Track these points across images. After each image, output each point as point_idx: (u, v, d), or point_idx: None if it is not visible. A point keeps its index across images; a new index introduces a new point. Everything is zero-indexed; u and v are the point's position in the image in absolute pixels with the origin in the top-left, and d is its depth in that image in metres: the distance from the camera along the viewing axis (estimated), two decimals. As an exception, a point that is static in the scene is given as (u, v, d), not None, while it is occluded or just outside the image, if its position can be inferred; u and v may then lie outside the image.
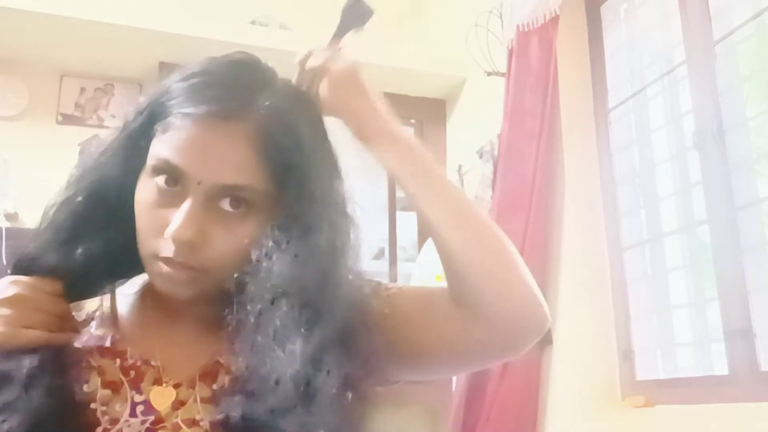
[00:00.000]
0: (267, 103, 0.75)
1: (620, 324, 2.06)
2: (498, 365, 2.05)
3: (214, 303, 0.77)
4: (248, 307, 0.71)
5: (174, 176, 0.73)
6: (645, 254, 2.05)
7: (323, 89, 0.83)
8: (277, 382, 0.67)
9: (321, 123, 0.81)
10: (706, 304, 1.85)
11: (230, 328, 0.71)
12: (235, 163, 0.72)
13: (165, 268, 0.73)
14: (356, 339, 0.71)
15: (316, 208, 0.75)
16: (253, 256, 0.72)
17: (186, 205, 0.72)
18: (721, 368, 1.71)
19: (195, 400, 0.75)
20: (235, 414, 0.68)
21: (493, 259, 0.77)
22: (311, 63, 0.83)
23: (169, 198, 0.73)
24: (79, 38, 2.54)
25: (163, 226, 0.72)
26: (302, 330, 0.69)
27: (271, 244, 0.72)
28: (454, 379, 2.51)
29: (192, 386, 0.75)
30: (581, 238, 2.15)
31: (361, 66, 0.84)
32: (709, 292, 1.81)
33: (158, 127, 0.74)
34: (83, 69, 2.72)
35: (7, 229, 2.38)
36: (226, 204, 0.73)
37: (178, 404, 0.74)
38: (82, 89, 2.74)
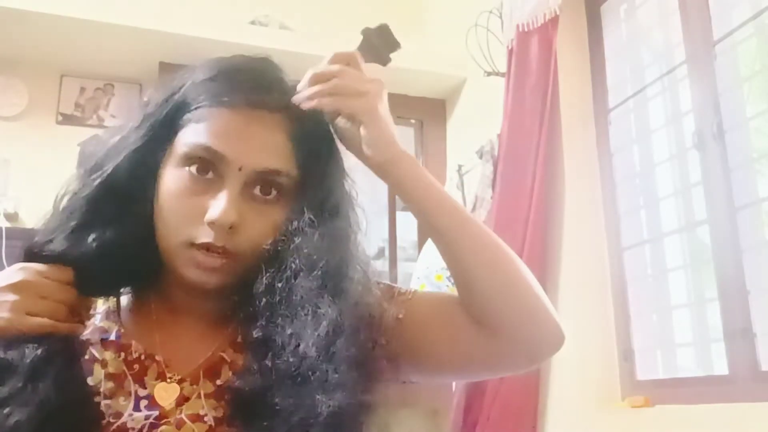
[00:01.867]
0: (293, 95, 0.78)
1: (620, 324, 2.06)
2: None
3: (219, 298, 0.78)
4: (278, 275, 0.73)
5: (211, 163, 0.74)
6: (645, 254, 2.05)
7: (342, 122, 0.80)
8: (300, 343, 0.69)
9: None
10: (706, 304, 1.85)
11: (258, 299, 0.73)
12: (273, 148, 0.75)
13: (200, 256, 0.73)
14: (367, 321, 0.74)
15: (335, 196, 0.79)
16: (285, 232, 0.75)
17: (226, 190, 0.73)
18: (721, 368, 1.71)
19: (199, 396, 0.75)
20: (253, 385, 0.70)
21: (510, 282, 0.79)
22: (333, 103, 0.78)
23: (202, 185, 0.74)
24: (79, 38, 2.55)
25: (198, 214, 0.73)
26: (328, 297, 0.71)
27: (302, 222, 0.75)
28: (454, 379, 2.51)
29: (196, 382, 0.76)
30: (581, 238, 2.15)
31: (384, 93, 0.80)
32: (709, 292, 1.81)
33: (189, 117, 0.76)
34: (83, 69, 2.72)
35: (7, 229, 2.38)
36: (257, 190, 0.75)
37: (182, 400, 0.74)
38: (82, 89, 2.74)
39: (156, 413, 0.73)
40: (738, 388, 1.63)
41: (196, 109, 0.76)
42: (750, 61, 1.83)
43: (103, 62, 2.70)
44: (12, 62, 2.63)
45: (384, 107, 0.79)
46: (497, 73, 2.44)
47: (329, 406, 0.67)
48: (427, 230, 0.82)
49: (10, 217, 2.46)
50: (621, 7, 2.25)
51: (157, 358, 0.76)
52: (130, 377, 0.75)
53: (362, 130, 0.78)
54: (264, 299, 0.73)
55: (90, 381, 0.74)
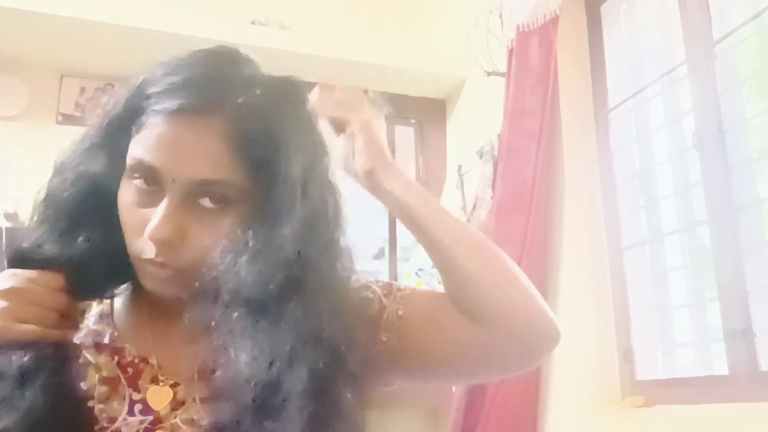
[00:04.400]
0: (240, 97, 0.73)
1: (620, 324, 2.06)
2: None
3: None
4: (210, 311, 0.69)
5: (150, 175, 0.72)
6: (645, 254, 2.05)
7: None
8: (238, 387, 0.66)
9: (303, 116, 0.79)
10: (706, 304, 1.85)
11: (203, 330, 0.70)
12: (209, 158, 0.71)
13: (150, 268, 0.72)
14: (339, 330, 0.69)
15: (289, 202, 0.73)
16: (217, 258, 0.70)
17: (162, 204, 0.71)
18: (721, 368, 1.71)
19: (194, 400, 0.74)
20: (224, 418, 0.67)
21: (498, 271, 0.78)
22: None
23: (148, 198, 0.72)
24: (79, 38, 2.54)
25: (143, 227, 0.71)
26: (259, 335, 0.67)
27: (234, 244, 0.71)
28: (454, 379, 2.50)
29: (191, 386, 0.75)
30: (581, 238, 2.15)
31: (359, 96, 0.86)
32: (709, 292, 1.81)
33: (133, 127, 0.74)
34: (83, 69, 2.72)
35: (7, 229, 2.38)
36: (205, 201, 0.72)
37: (177, 404, 0.74)
38: (82, 89, 2.73)
39: (150, 418, 0.73)
40: (738, 388, 1.63)
41: (140, 116, 0.73)
42: (750, 61, 1.83)
43: (103, 62, 2.69)
44: (12, 62, 2.63)
45: (376, 121, 0.83)
46: (497, 73, 2.44)
47: None
48: (415, 235, 0.82)
49: (10, 217, 2.45)
50: (621, 7, 2.25)
51: (150, 361, 0.76)
52: (124, 381, 0.74)
53: (355, 138, 0.81)
54: (208, 336, 0.69)
55: (83, 385, 0.73)
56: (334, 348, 0.68)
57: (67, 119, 2.69)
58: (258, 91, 0.75)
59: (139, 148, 0.72)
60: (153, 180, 0.72)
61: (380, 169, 0.80)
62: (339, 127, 0.83)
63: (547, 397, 2.08)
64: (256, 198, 0.73)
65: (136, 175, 0.73)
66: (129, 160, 0.73)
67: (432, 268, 2.39)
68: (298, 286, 0.70)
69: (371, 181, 0.81)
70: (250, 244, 0.70)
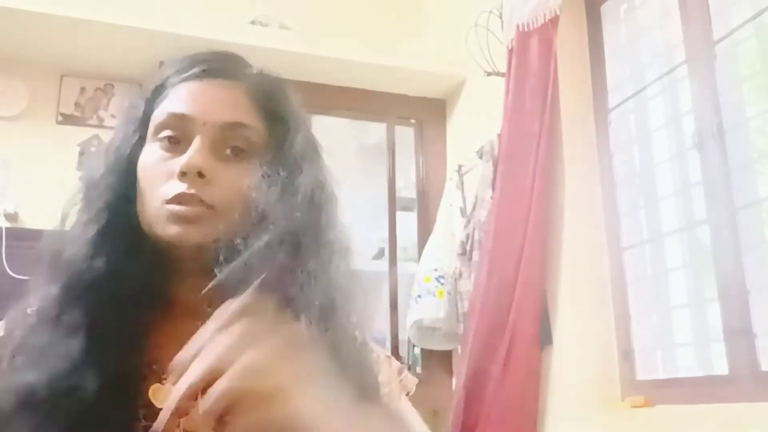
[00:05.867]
0: (254, 72, 0.84)
1: (620, 324, 2.06)
2: (498, 364, 2.05)
3: (218, 296, 0.76)
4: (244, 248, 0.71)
5: (179, 129, 0.76)
6: (645, 254, 2.05)
7: None
8: None
9: (300, 108, 0.86)
10: (706, 304, 1.85)
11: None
12: (235, 105, 0.79)
13: (176, 208, 0.73)
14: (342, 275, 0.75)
15: (297, 163, 0.79)
16: (254, 195, 0.75)
17: (195, 142, 0.75)
18: (721, 368, 1.71)
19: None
20: None
21: None
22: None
23: (174, 152, 0.77)
24: (79, 38, 2.54)
25: (171, 173, 0.75)
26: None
27: (264, 185, 0.76)
28: (454, 379, 2.51)
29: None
30: (581, 238, 2.15)
31: None
32: (709, 292, 1.81)
33: (158, 101, 0.80)
34: (83, 69, 2.72)
35: (7, 229, 2.38)
36: (229, 151, 0.77)
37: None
38: (82, 89, 2.73)
39: (153, 425, 0.72)
40: (738, 388, 1.63)
41: (162, 94, 0.80)
42: (750, 61, 1.83)
43: (103, 62, 2.69)
44: (12, 62, 2.63)
45: None
46: (497, 73, 2.44)
47: None
48: None
49: (10, 217, 2.46)
50: (621, 7, 2.25)
51: (154, 367, 0.75)
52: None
53: None
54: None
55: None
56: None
57: (67, 119, 2.69)
58: (266, 73, 0.85)
59: (167, 106, 0.78)
60: (181, 132, 0.77)
61: None
62: None
63: (547, 397, 2.08)
64: (270, 151, 0.79)
65: (163, 133, 0.77)
66: (156, 120, 0.78)
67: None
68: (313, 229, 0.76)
69: None
70: (279, 185, 0.76)
